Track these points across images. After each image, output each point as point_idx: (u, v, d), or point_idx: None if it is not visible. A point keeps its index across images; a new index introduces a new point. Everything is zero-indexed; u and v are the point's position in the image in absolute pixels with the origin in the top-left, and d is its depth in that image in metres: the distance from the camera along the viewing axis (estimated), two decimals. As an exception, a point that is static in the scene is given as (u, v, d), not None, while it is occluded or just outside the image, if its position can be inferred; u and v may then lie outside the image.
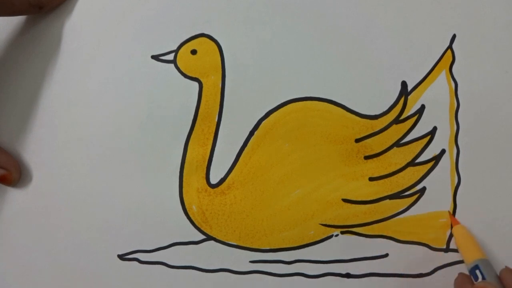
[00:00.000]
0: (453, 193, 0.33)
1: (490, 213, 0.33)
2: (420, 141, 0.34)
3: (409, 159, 0.34)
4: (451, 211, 0.33)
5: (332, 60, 0.34)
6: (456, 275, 0.32)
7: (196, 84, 0.34)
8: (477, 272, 0.30)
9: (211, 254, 0.34)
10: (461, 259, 0.33)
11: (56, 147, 0.35)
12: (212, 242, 0.34)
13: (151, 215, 0.34)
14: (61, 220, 0.35)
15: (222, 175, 0.34)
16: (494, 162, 0.33)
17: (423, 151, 0.34)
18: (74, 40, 0.35)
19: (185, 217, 0.34)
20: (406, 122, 0.34)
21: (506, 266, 0.31)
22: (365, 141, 0.34)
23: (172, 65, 0.34)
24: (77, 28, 0.35)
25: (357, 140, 0.34)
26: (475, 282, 0.30)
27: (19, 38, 0.36)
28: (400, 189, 0.34)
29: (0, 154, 0.34)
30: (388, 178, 0.34)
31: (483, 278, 0.30)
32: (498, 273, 0.30)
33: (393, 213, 0.34)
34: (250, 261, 0.34)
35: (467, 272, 0.32)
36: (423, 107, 0.34)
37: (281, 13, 0.34)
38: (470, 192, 0.33)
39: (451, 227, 0.33)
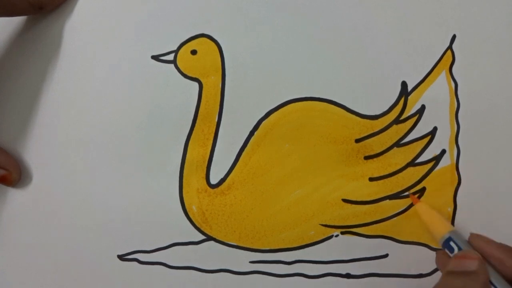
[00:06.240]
0: (453, 193, 0.33)
1: (490, 213, 0.33)
2: (420, 141, 0.34)
3: (409, 159, 0.34)
4: (451, 211, 0.33)
5: (332, 60, 0.34)
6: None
7: (196, 84, 0.34)
8: (452, 243, 0.31)
9: (211, 254, 0.34)
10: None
11: (56, 147, 0.35)
12: (212, 242, 0.34)
13: (151, 215, 0.34)
14: (61, 220, 0.35)
15: (222, 175, 0.34)
16: (494, 162, 0.33)
17: (423, 151, 0.34)
18: (75, 41, 0.35)
19: (185, 217, 0.34)
20: (406, 122, 0.34)
21: (471, 233, 0.32)
22: (365, 141, 0.34)
23: (172, 65, 0.34)
24: (77, 29, 0.35)
25: (357, 140, 0.34)
26: (450, 255, 0.31)
27: (20, 38, 0.36)
28: (400, 189, 0.34)
29: (0, 154, 0.34)
30: (388, 178, 0.34)
31: (459, 248, 0.30)
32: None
33: (393, 213, 0.34)
34: (250, 262, 0.34)
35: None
36: (423, 107, 0.34)
37: (281, 13, 0.34)
38: (470, 192, 0.33)
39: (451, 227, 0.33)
